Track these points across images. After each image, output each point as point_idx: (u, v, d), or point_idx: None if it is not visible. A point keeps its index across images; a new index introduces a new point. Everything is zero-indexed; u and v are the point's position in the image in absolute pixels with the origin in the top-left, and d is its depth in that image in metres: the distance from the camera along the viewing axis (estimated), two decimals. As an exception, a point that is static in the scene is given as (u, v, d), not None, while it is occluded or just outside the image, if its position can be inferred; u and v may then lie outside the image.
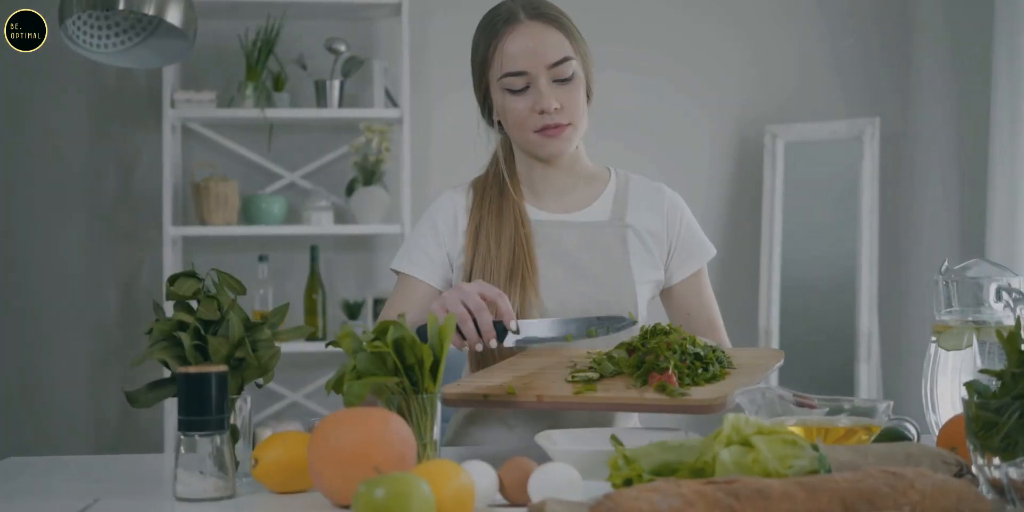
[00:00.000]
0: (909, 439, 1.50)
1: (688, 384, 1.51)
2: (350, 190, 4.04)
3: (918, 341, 4.19)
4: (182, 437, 1.33)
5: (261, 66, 3.95)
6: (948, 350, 1.51)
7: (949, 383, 1.50)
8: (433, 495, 1.06)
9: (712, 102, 4.25)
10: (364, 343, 1.36)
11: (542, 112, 1.80)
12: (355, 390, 1.34)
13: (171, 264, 3.89)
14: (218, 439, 1.33)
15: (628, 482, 1.23)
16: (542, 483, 1.21)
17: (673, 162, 4.07)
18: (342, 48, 3.97)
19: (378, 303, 4.02)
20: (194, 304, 1.47)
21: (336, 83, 3.98)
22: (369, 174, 3.98)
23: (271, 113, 3.91)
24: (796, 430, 1.34)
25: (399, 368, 1.36)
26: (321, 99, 3.99)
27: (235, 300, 1.48)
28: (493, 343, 1.59)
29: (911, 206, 4.24)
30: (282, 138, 4.09)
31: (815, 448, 1.22)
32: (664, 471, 1.24)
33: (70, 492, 1.39)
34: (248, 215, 3.98)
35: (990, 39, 3.83)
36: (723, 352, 1.62)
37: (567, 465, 1.23)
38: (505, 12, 1.83)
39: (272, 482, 1.35)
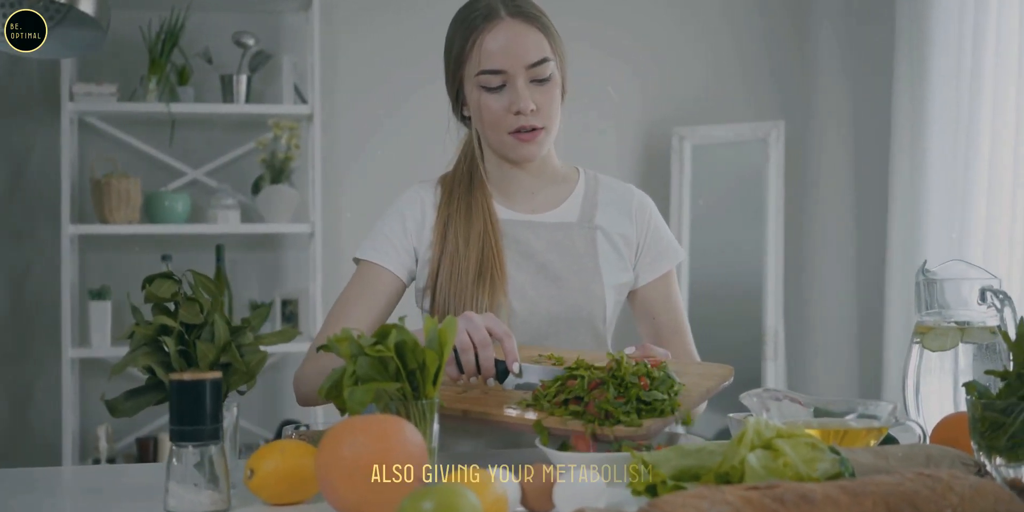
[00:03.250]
0: (897, 441, 1.51)
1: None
2: (256, 188, 3.94)
3: (823, 340, 4.28)
4: (174, 448, 1.26)
5: (165, 59, 3.83)
6: (934, 351, 1.53)
7: (936, 384, 1.52)
8: (481, 505, 1.02)
9: (620, 104, 4.26)
10: (365, 347, 1.31)
11: (518, 113, 1.76)
12: (358, 397, 1.29)
13: (69, 264, 3.74)
14: (212, 449, 1.26)
15: (651, 489, 1.21)
16: (568, 491, 1.17)
17: (580, 163, 4.05)
18: (250, 42, 3.87)
19: (286, 304, 3.94)
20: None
21: (243, 78, 3.88)
22: (277, 172, 3.89)
23: (175, 108, 3.78)
24: (813, 433, 1.33)
25: (401, 373, 1.32)
26: (227, 94, 3.89)
27: (218, 302, 1.41)
28: (491, 381, 1.52)
29: (815, 207, 4.33)
30: (185, 133, 3.96)
31: (834, 451, 1.22)
32: (685, 476, 1.22)
33: (60, 507, 1.31)
34: (151, 213, 3.85)
35: (891, 43, 3.92)
36: (681, 385, 1.51)
37: (592, 472, 1.20)
38: (484, 7, 1.78)
39: (269, 494, 1.29)
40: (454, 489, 1.02)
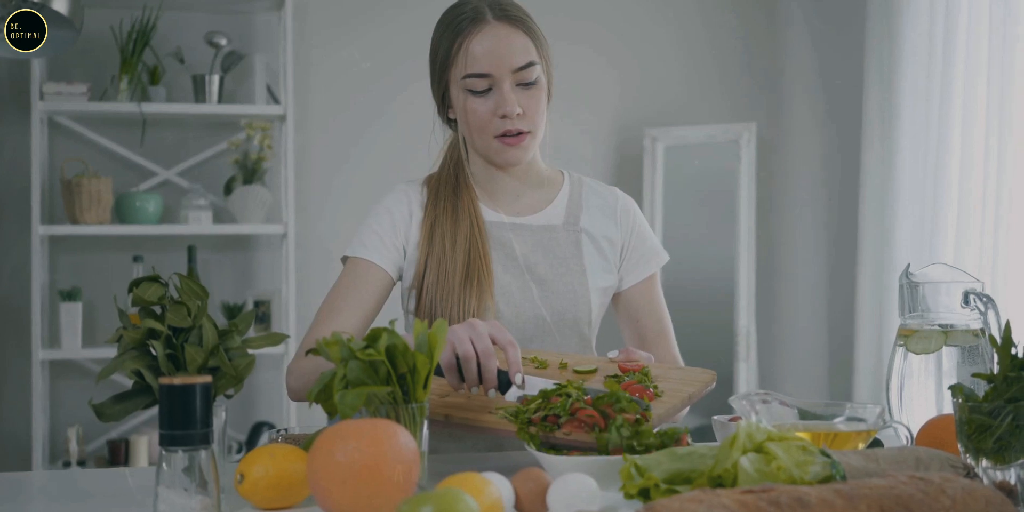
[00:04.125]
0: (881, 444, 1.52)
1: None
2: (229, 189, 3.92)
3: (795, 341, 4.31)
4: (164, 453, 1.25)
5: (136, 58, 3.80)
6: (918, 354, 1.54)
7: (921, 386, 1.53)
8: (479, 510, 1.02)
9: (593, 105, 4.27)
10: (356, 351, 1.31)
11: (503, 116, 1.76)
12: (349, 401, 1.28)
13: (39, 265, 3.70)
14: (203, 454, 1.25)
15: (644, 492, 1.21)
16: (562, 495, 1.17)
17: (553, 164, 4.06)
18: (223, 42, 3.85)
19: (259, 305, 3.92)
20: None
21: (215, 78, 3.86)
22: (250, 172, 3.87)
23: (147, 108, 3.76)
24: (803, 436, 1.34)
25: (392, 377, 1.31)
26: (199, 94, 3.86)
27: (205, 306, 1.40)
28: (492, 392, 1.48)
29: (787, 208, 4.36)
30: (157, 134, 3.94)
31: (825, 454, 1.23)
32: (677, 480, 1.23)
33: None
34: (122, 214, 3.82)
35: (862, 46, 3.95)
36: (682, 428, 1.45)
37: (585, 476, 1.20)
38: (471, 10, 1.77)
39: (259, 499, 1.29)
40: (452, 494, 1.02)
